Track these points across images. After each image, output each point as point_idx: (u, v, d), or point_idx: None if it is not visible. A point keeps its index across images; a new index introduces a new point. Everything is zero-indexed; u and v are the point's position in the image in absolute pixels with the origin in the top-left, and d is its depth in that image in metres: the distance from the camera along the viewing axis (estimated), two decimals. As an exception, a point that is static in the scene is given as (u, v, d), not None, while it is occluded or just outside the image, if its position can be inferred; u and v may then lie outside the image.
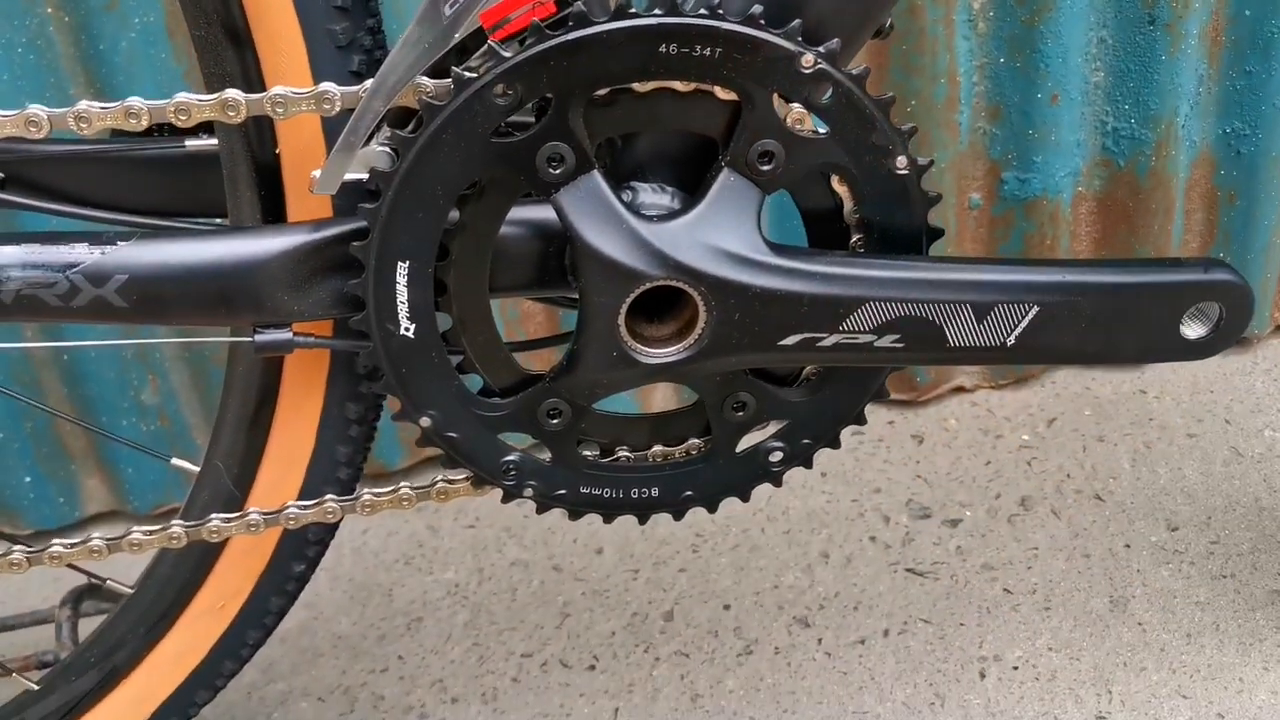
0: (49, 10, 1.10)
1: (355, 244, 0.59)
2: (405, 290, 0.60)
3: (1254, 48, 1.27)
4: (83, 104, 0.55)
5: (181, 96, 0.55)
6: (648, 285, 0.60)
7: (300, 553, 0.76)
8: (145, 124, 0.55)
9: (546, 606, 1.20)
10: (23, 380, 1.25)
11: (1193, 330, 0.62)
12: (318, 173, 0.58)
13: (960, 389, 1.44)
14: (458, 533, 1.32)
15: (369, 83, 0.56)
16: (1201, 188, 1.36)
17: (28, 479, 1.31)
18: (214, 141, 0.63)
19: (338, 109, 0.56)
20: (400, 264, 0.60)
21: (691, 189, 0.63)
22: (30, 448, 1.30)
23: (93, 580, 1.00)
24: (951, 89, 1.24)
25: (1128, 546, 1.18)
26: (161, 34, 1.11)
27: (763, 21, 0.56)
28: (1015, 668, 1.06)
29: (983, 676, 1.06)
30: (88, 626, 0.95)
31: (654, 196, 0.63)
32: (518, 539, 1.30)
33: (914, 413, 1.42)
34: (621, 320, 0.61)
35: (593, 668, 1.12)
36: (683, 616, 1.16)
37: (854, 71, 0.58)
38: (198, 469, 0.74)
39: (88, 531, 1.33)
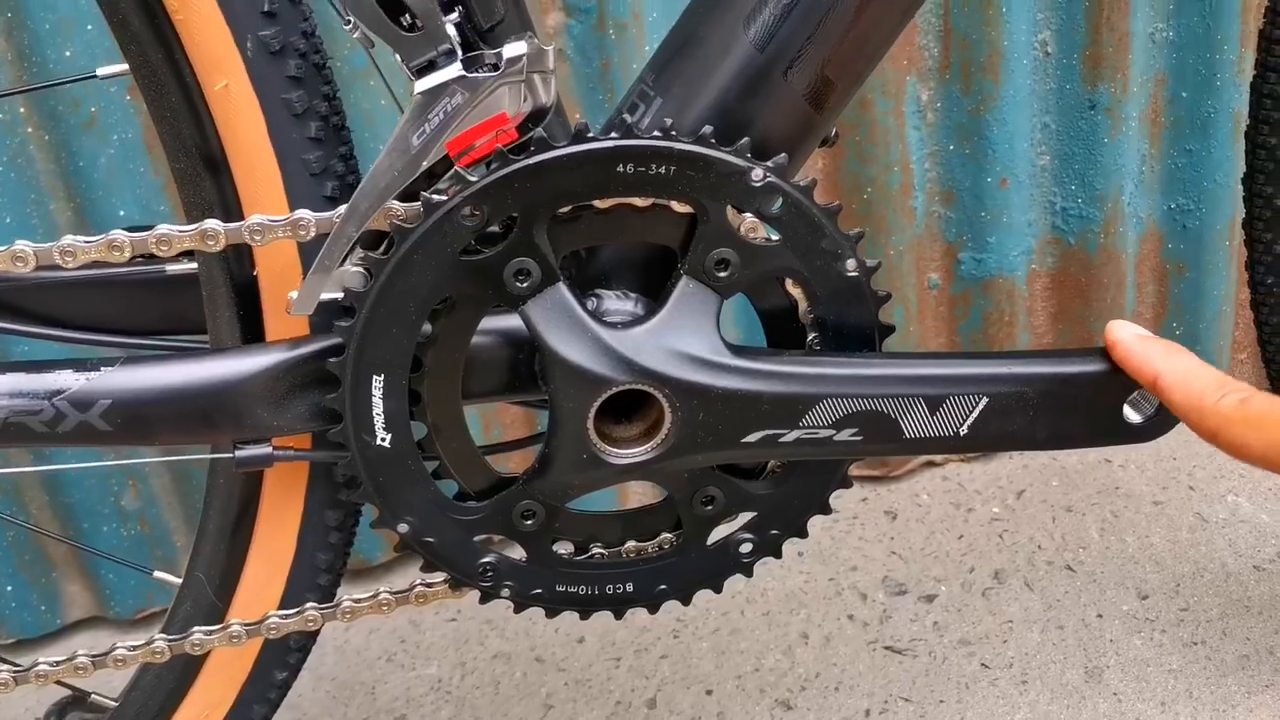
0: (29, 130, 1.13)
1: (332, 360, 0.61)
2: (381, 402, 0.63)
3: (1192, 127, 1.33)
4: (67, 239, 0.57)
5: (162, 228, 0.58)
6: (614, 390, 0.63)
7: (282, 660, 0.76)
8: (128, 256, 0.57)
9: (530, 699, 1.20)
10: (2, 487, 1.26)
11: (1136, 414, 0.65)
12: (294, 294, 0.61)
13: (931, 463, 1.46)
14: (439, 626, 1.33)
15: (342, 208, 0.59)
16: (1151, 261, 1.41)
17: (9, 587, 1.31)
18: (193, 266, 0.66)
19: (313, 234, 0.59)
20: (375, 377, 0.62)
21: (654, 294, 0.66)
22: (11, 555, 1.30)
23: (76, 692, 1.01)
24: (905, 176, 1.29)
25: (1100, 616, 1.20)
26: (140, 149, 1.14)
27: (713, 140, 0.59)
28: (995, 743, 1.07)
29: (963, 753, 1.07)
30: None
31: (618, 303, 0.66)
32: (499, 631, 1.31)
33: (886, 488, 1.44)
34: (590, 424, 0.64)
35: (577, 760, 1.12)
36: (666, 704, 1.17)
37: (801, 183, 0.61)
38: (179, 581, 0.75)
39: (70, 639, 1.33)
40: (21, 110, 1.13)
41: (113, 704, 0.79)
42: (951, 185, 1.31)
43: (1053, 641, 1.17)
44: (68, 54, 1.10)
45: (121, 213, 1.16)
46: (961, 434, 0.64)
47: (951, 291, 1.36)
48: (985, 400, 0.64)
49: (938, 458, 1.46)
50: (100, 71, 0.59)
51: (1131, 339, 0.62)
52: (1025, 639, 1.18)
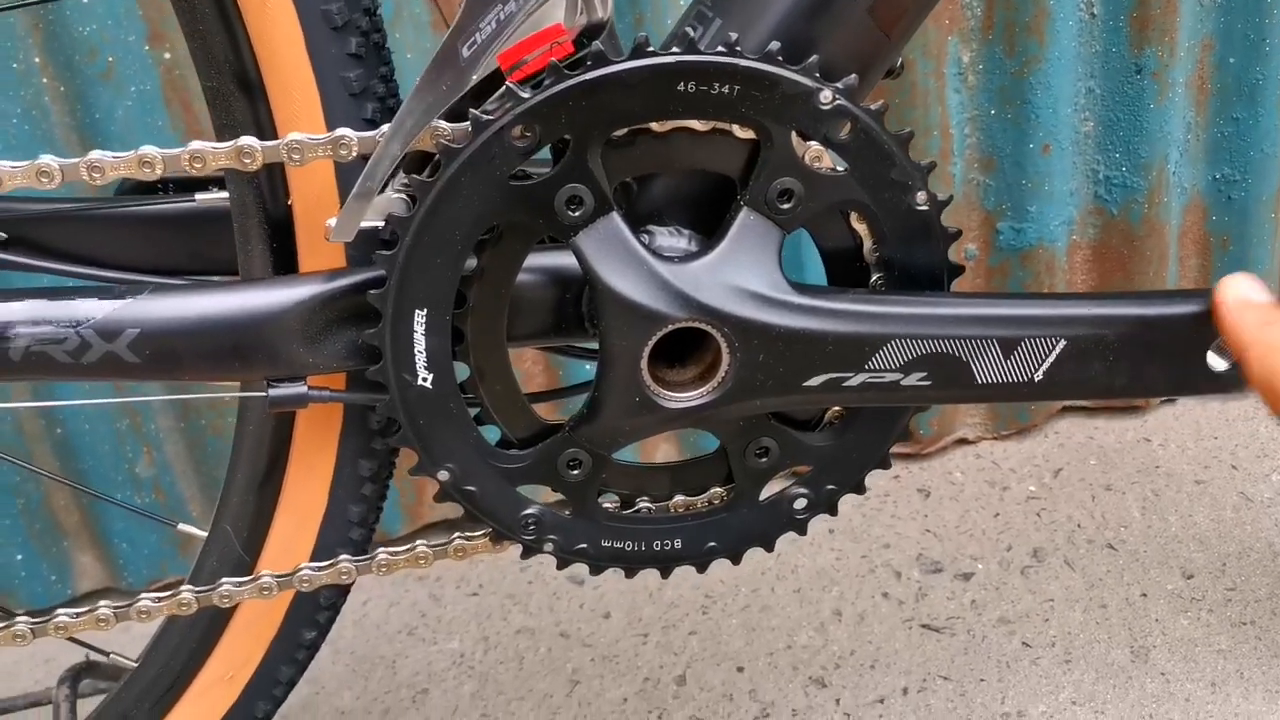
0: (44, 80, 1.10)
1: (372, 292, 0.58)
2: (423, 339, 0.59)
3: (1239, 95, 1.29)
4: (95, 153, 0.54)
5: (196, 145, 0.54)
6: (671, 327, 0.59)
7: (311, 618, 0.73)
8: (159, 173, 0.54)
9: (555, 674, 1.17)
10: (15, 454, 1.23)
11: (1221, 361, 0.61)
12: (333, 221, 0.57)
13: (964, 441, 1.43)
14: (461, 601, 1.29)
15: (385, 127, 0.55)
16: (1194, 233, 1.37)
17: (19, 556, 1.28)
18: (224, 195, 0.62)
19: (354, 154, 0.56)
20: (418, 312, 0.58)
21: (706, 231, 0.62)
22: (22, 525, 1.27)
23: (90, 658, 0.97)
24: (944, 141, 1.25)
25: (1144, 596, 1.16)
26: (159, 101, 1.11)
27: (780, 58, 0.56)
28: (1040, 722, 1.04)
29: (1008, 732, 1.03)
30: (85, 706, 0.91)
31: (670, 239, 0.63)
32: (522, 606, 1.27)
33: (918, 466, 1.41)
34: (644, 364, 0.60)
35: (605, 735, 1.09)
36: (695, 680, 1.13)
37: (872, 107, 0.58)
38: (204, 534, 0.71)
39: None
40: (37, 60, 1.09)
41: (132, 664, 0.75)
42: (992, 151, 1.27)
43: (1096, 620, 1.13)
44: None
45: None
46: (1036, 380, 0.61)
47: (989, 263, 1.32)
48: (1063, 343, 0.60)
49: (970, 435, 1.42)
50: (129, -19, 0.56)
51: (1234, 302, 0.57)
52: (1067, 618, 1.14)
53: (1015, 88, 1.23)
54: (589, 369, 1.19)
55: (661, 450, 1.35)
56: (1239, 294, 0.57)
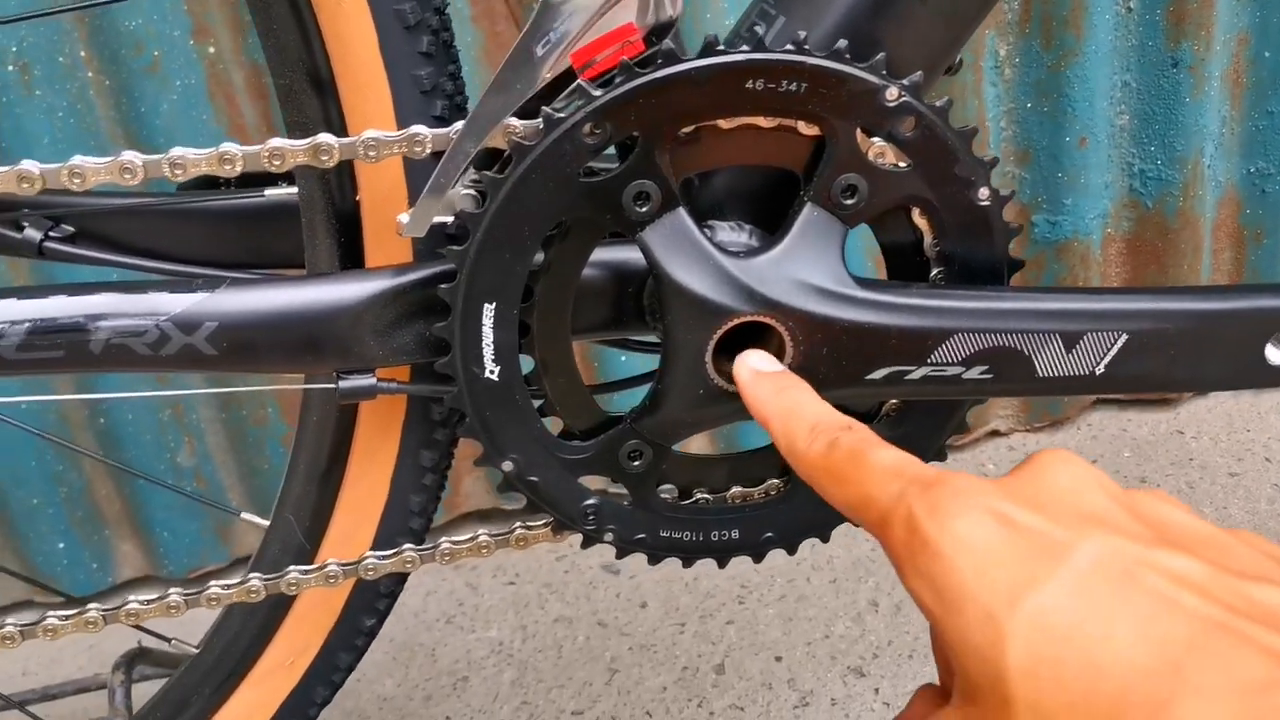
0: (90, 74, 1.11)
1: (443, 286, 0.58)
2: (491, 332, 0.60)
3: (1275, 88, 1.29)
4: (176, 150, 0.55)
5: (275, 142, 0.55)
6: (736, 321, 0.60)
7: (371, 606, 0.74)
8: (239, 169, 0.55)
9: (594, 663, 1.18)
10: (58, 444, 1.24)
11: (1278, 356, 0.62)
12: (405, 216, 0.58)
13: (996, 433, 1.43)
14: (498, 590, 1.30)
15: (459, 124, 0.56)
16: (1228, 227, 1.38)
17: (61, 544, 1.29)
18: (293, 190, 0.63)
19: (428, 151, 0.56)
20: (487, 305, 0.59)
21: (766, 225, 0.63)
22: (64, 513, 1.28)
23: (141, 644, 0.99)
24: (980, 135, 1.25)
25: (1180, 586, 1.16)
26: (203, 95, 1.12)
27: (848, 56, 0.56)
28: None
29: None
30: (138, 691, 0.93)
31: (732, 234, 0.63)
32: (559, 595, 1.28)
33: (952, 458, 1.41)
34: (709, 357, 0.61)
35: (645, 724, 1.10)
36: (734, 669, 1.15)
37: (937, 104, 0.58)
38: (266, 523, 0.72)
39: (121, 597, 1.31)
40: (83, 54, 1.10)
41: (193, 650, 0.77)
42: (1028, 144, 1.27)
43: (1132, 611, 1.14)
44: (134, -4, 1.07)
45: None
46: (1098, 373, 0.61)
47: (1024, 255, 1.32)
48: (1125, 337, 0.61)
49: (1003, 427, 1.43)
50: (206, -20, 0.57)
51: (747, 378, 0.55)
52: (1103, 608, 1.15)
53: (1052, 81, 1.24)
54: (623, 360, 1.21)
55: (694, 444, 1.36)
56: (750, 368, 0.56)
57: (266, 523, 0.73)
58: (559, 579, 1.31)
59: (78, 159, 0.54)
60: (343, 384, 0.62)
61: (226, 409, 1.26)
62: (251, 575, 0.66)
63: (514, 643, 1.22)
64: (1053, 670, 0.31)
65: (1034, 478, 0.39)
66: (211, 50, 1.11)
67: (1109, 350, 0.61)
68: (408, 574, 0.72)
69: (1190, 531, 0.36)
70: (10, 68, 1.09)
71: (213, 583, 0.66)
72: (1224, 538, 0.36)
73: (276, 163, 0.55)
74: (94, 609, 0.65)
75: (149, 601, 0.65)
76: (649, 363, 0.65)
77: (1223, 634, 0.30)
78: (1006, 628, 0.32)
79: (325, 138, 0.55)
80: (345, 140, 0.55)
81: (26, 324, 0.55)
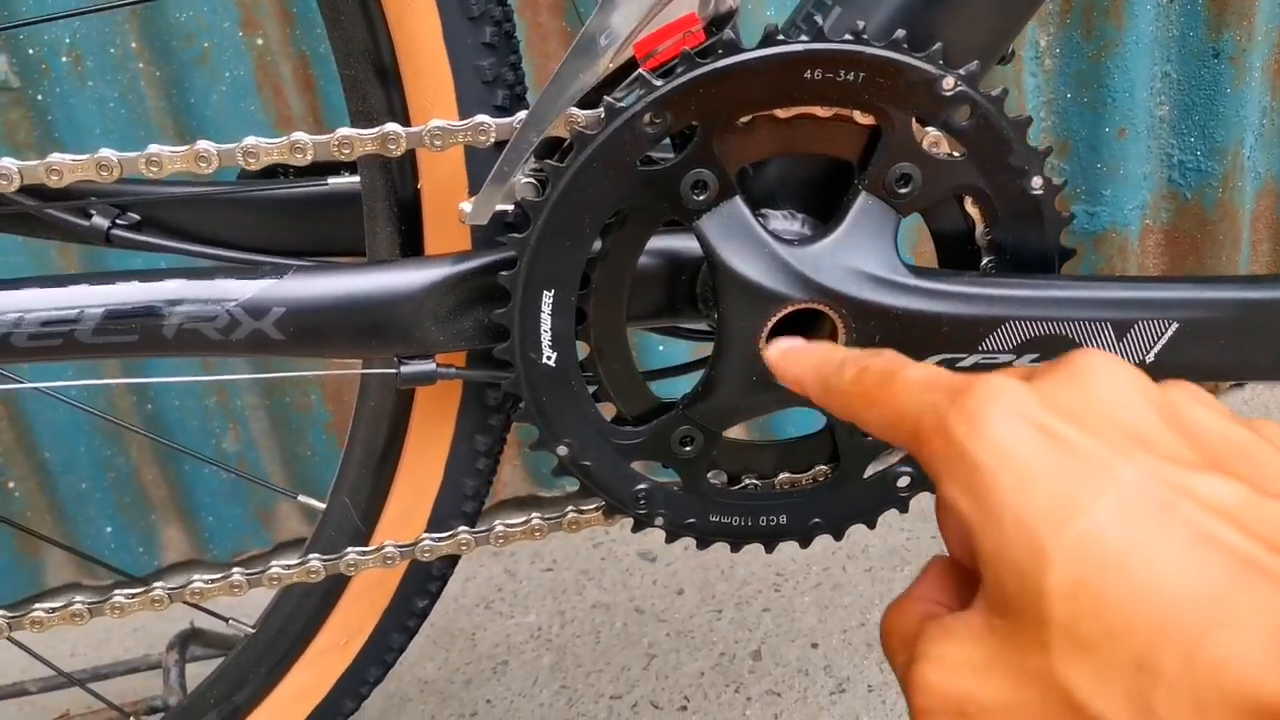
0: (141, 65, 1.13)
1: (503, 273, 0.60)
2: (549, 319, 0.61)
3: (1317, 79, 1.29)
4: (250, 139, 0.56)
5: (344, 131, 0.56)
6: (791, 308, 0.61)
7: (423, 587, 0.76)
8: (309, 158, 0.56)
9: (632, 648, 1.19)
10: (106, 430, 1.27)
11: (1329, 344, 0.62)
12: (467, 205, 0.59)
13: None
14: (535, 576, 1.32)
15: (522, 114, 0.57)
16: (1267, 218, 1.37)
17: (109, 529, 1.32)
18: (354, 179, 0.65)
19: (493, 140, 0.58)
20: (546, 292, 0.60)
21: (818, 213, 0.64)
22: (111, 498, 1.31)
23: (194, 624, 1.01)
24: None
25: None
26: (251, 87, 1.14)
27: (906, 46, 0.57)
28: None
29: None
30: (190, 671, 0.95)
31: (784, 222, 0.64)
32: (596, 581, 1.30)
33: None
34: (763, 344, 0.62)
35: (684, 708, 1.11)
36: (771, 655, 1.16)
37: (993, 93, 0.59)
38: (323, 505, 0.74)
39: (166, 581, 1.33)
40: (134, 45, 1.12)
41: (249, 629, 0.78)
42: (1067, 135, 1.27)
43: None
44: (184, -12, 1.09)
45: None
46: (1148, 361, 0.62)
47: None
48: (1175, 326, 0.61)
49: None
50: (274, -28, 0.58)
51: (776, 356, 0.53)
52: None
53: (1092, 72, 1.24)
54: (661, 349, 1.21)
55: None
56: (778, 348, 0.53)
57: (323, 505, 0.74)
58: (596, 565, 1.32)
59: (154, 147, 0.55)
60: (404, 369, 0.63)
61: (270, 395, 1.28)
62: (311, 556, 0.68)
63: (552, 628, 1.24)
64: (1093, 596, 0.32)
65: (1073, 383, 0.37)
66: (260, 42, 1.12)
67: (1159, 338, 0.61)
68: (459, 556, 0.73)
69: (1224, 440, 0.36)
70: (63, 59, 1.10)
71: (274, 563, 0.67)
72: (1256, 445, 0.36)
73: (345, 151, 0.56)
74: (159, 588, 0.67)
75: (212, 581, 0.67)
76: (684, 352, 0.66)
77: (1258, 571, 0.31)
78: (1050, 550, 0.33)
79: (393, 127, 0.56)
80: (412, 129, 0.57)
81: (102, 309, 0.57)
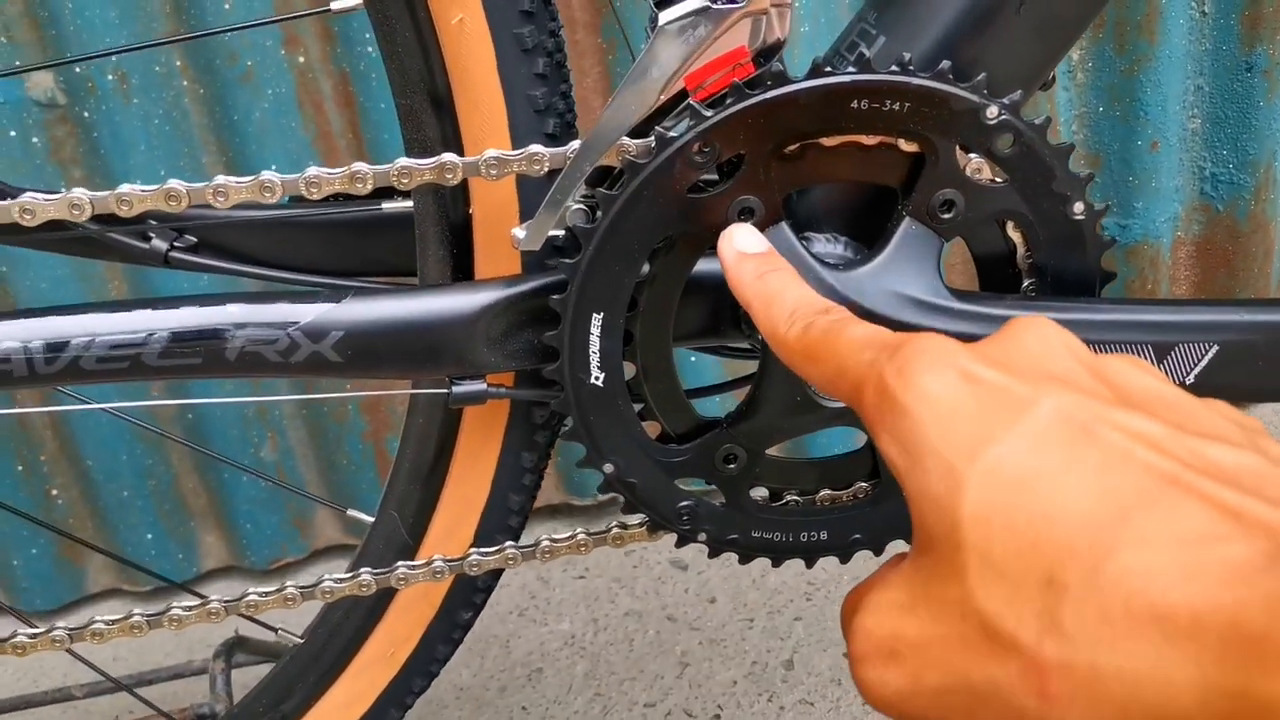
0: (185, 83, 1.15)
1: (554, 297, 0.61)
2: (598, 340, 0.62)
3: (1350, 92, 1.29)
4: (312, 170, 0.58)
5: (403, 161, 0.58)
6: (835, 331, 0.62)
7: (468, 600, 0.77)
8: (369, 187, 0.58)
9: (664, 656, 1.21)
10: (148, 439, 1.29)
11: (1368, 367, 0.63)
12: (520, 231, 0.61)
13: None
14: (569, 584, 1.33)
15: (577, 143, 0.59)
16: (1299, 230, 1.37)
17: (149, 535, 1.34)
18: (408, 204, 0.66)
19: (546, 168, 0.59)
20: (595, 315, 0.62)
21: (861, 238, 0.65)
22: (152, 505, 1.33)
23: (239, 633, 1.03)
24: (1052, 139, 1.26)
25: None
26: (293, 104, 1.16)
27: (950, 76, 0.58)
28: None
29: None
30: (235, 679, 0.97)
31: (829, 246, 0.65)
32: (629, 589, 1.31)
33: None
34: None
35: (718, 717, 1.12)
36: (803, 665, 1.17)
37: (1035, 121, 0.60)
38: (371, 519, 0.76)
39: (205, 587, 1.36)
40: (178, 63, 1.14)
41: (298, 639, 0.80)
42: (1099, 148, 1.28)
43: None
44: (226, 7, 1.11)
45: (273, 167, 1.18)
46: (1188, 384, 0.63)
47: (1092, 258, 1.33)
48: (1215, 349, 0.62)
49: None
50: (333, 6, 0.60)
51: (732, 258, 0.54)
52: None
53: (1124, 85, 1.24)
54: (693, 360, 1.23)
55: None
56: (734, 248, 0.55)
57: (371, 519, 0.76)
58: (628, 574, 1.33)
59: (220, 179, 0.57)
60: (455, 389, 0.65)
61: (308, 406, 1.30)
62: (362, 570, 0.69)
63: (586, 636, 1.25)
64: (1004, 519, 0.32)
65: (1003, 340, 0.39)
66: (301, 60, 1.14)
67: (1200, 361, 0.62)
68: (504, 570, 0.75)
69: (1156, 395, 0.37)
70: (110, 77, 1.13)
71: (326, 577, 0.69)
72: (1191, 403, 0.37)
73: (404, 181, 0.58)
74: (215, 600, 0.69)
75: (267, 594, 0.69)
76: (720, 370, 0.68)
77: (1172, 487, 0.31)
78: (964, 478, 0.33)
79: (449, 157, 0.58)
80: (468, 160, 0.58)
81: (167, 332, 0.59)
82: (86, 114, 1.14)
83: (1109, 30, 1.22)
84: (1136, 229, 1.30)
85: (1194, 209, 1.33)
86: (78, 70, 1.12)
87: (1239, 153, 1.29)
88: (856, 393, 0.40)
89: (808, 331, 0.45)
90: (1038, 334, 0.39)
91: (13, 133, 1.14)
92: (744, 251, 0.56)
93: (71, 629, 0.69)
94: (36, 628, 0.69)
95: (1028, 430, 0.34)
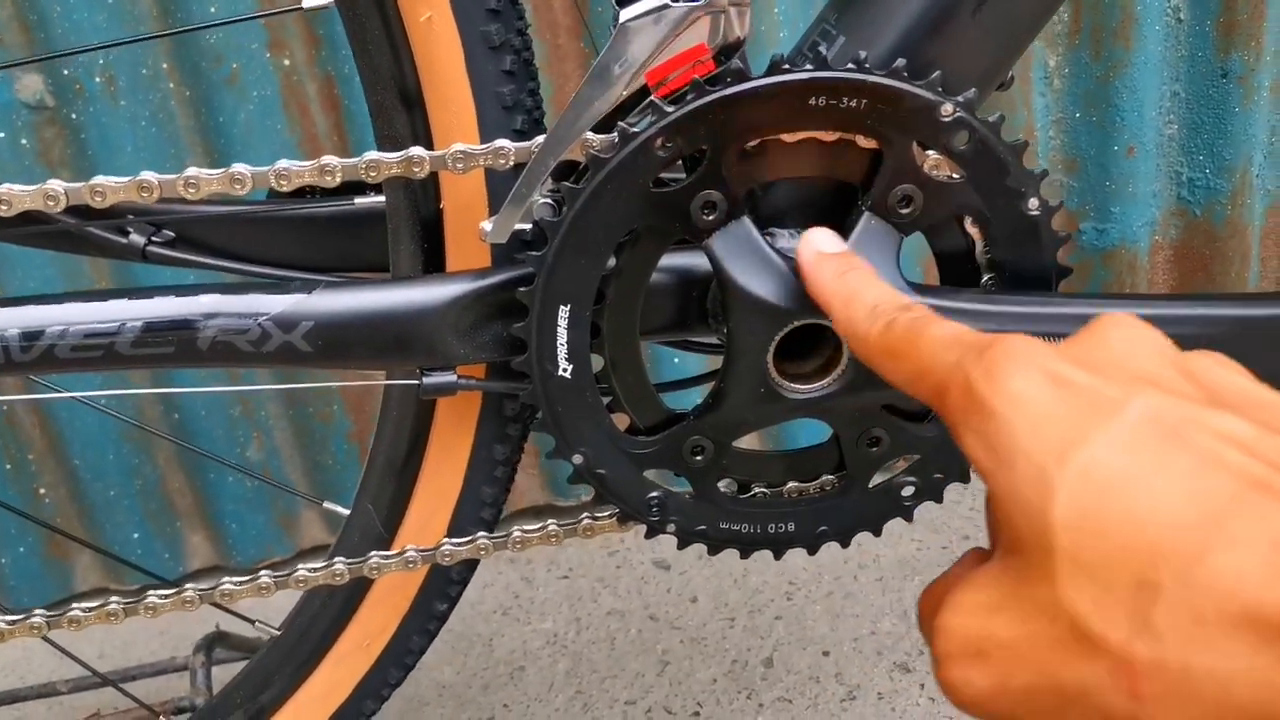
0: (171, 85, 1.17)
1: (521, 289, 0.62)
2: (566, 332, 0.64)
3: (1325, 98, 1.30)
4: (282, 163, 0.59)
5: (371, 155, 0.59)
6: (796, 324, 0.63)
7: (443, 591, 0.78)
8: (339, 180, 0.59)
9: (646, 655, 1.22)
10: (132, 437, 1.30)
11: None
12: (488, 224, 0.62)
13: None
14: (552, 583, 1.35)
15: (541, 138, 0.60)
16: (1276, 234, 1.39)
17: (135, 535, 1.35)
18: (380, 199, 0.68)
19: (511, 163, 0.60)
20: (562, 307, 0.63)
21: (825, 234, 0.66)
22: (138, 505, 1.34)
23: (219, 628, 1.04)
24: (1030, 144, 1.28)
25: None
26: (278, 106, 1.17)
27: (906, 74, 0.60)
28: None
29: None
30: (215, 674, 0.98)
31: (791, 241, 0.67)
32: (611, 589, 1.32)
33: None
34: (770, 358, 0.64)
35: (697, 714, 1.13)
36: (782, 663, 1.18)
37: (990, 119, 0.61)
38: (347, 511, 0.77)
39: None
40: (165, 66, 1.16)
41: (275, 632, 0.81)
42: (1076, 153, 1.29)
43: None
44: (213, 10, 1.13)
45: (258, 168, 1.19)
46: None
47: (1071, 263, 1.35)
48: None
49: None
50: (305, 4, 0.61)
51: (811, 259, 0.56)
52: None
53: (1100, 91, 1.26)
54: (676, 362, 1.24)
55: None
56: (814, 248, 0.57)
57: (347, 511, 0.77)
58: (611, 573, 1.34)
59: (192, 170, 0.59)
60: (426, 381, 0.66)
61: (293, 405, 1.31)
62: (336, 559, 0.70)
63: (568, 634, 1.26)
64: (1095, 523, 0.33)
65: (1090, 339, 0.39)
66: (287, 63, 1.16)
67: (1154, 354, 0.63)
68: (479, 561, 0.76)
69: (1244, 394, 0.37)
70: (97, 79, 1.14)
71: (300, 566, 0.70)
72: (1278, 402, 0.36)
73: (373, 174, 0.59)
74: (190, 589, 0.70)
75: (242, 583, 0.70)
76: (697, 364, 0.69)
77: (1263, 490, 0.31)
78: (1054, 481, 0.34)
79: (417, 151, 0.59)
80: (435, 153, 0.59)
81: (140, 322, 0.60)
82: (75, 116, 1.16)
83: (1085, 37, 1.24)
84: (1114, 234, 1.32)
85: (1171, 214, 1.34)
86: (65, 72, 1.14)
87: (1215, 158, 1.30)
88: (940, 393, 0.40)
89: (890, 329, 0.46)
90: (1125, 333, 0.39)
91: (1, 134, 1.15)
92: (823, 250, 0.57)
93: (49, 615, 0.70)
94: (15, 615, 0.70)
95: (1117, 433, 0.34)
